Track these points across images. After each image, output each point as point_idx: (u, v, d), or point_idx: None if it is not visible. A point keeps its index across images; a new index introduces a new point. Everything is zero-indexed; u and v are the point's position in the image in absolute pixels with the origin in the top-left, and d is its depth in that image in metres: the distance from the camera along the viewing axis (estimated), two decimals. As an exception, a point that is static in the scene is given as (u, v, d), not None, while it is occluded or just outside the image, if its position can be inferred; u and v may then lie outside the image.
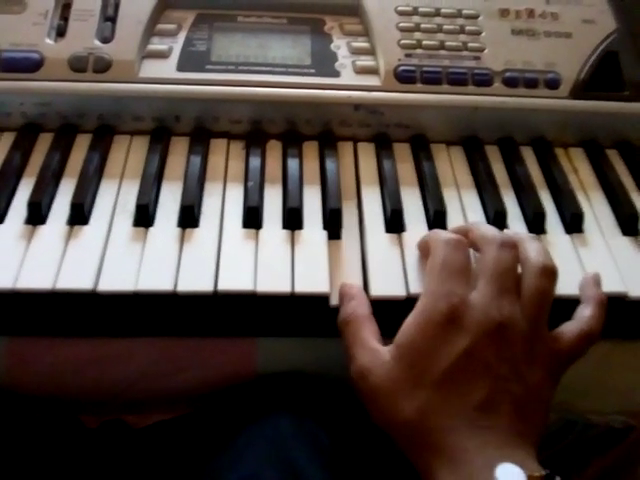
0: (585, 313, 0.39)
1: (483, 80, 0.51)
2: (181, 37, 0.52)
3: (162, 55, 0.50)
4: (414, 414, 0.34)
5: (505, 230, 0.44)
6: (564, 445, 0.53)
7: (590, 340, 0.38)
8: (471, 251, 0.39)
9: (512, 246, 0.38)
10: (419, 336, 0.35)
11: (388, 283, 0.42)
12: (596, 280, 0.41)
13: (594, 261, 0.44)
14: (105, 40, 0.50)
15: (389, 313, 0.40)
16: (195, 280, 0.41)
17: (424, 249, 0.41)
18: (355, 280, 0.42)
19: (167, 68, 0.50)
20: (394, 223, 0.45)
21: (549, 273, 0.38)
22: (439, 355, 0.35)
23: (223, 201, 0.46)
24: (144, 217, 0.44)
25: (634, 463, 0.53)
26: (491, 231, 0.39)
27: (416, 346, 0.35)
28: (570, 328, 0.38)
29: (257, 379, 0.45)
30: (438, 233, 0.40)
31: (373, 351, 0.37)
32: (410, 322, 0.36)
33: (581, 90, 0.52)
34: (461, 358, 0.34)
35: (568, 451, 0.52)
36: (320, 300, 0.41)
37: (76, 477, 0.43)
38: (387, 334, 0.38)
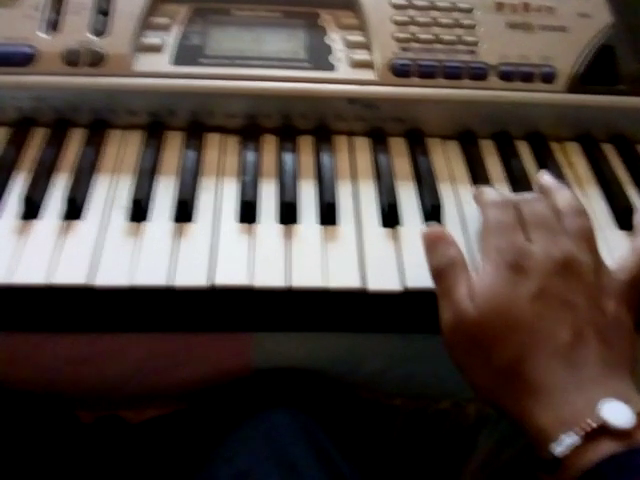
0: (638, 240, 0.40)
1: (478, 74, 0.51)
2: (175, 31, 0.51)
3: (156, 49, 0.50)
4: (510, 360, 0.34)
5: (541, 175, 0.45)
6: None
7: None
8: None
9: (542, 199, 0.40)
10: (495, 286, 0.36)
11: (385, 277, 0.42)
12: None
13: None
14: (99, 34, 0.50)
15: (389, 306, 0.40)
16: (191, 275, 0.40)
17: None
18: (351, 272, 0.42)
19: (161, 62, 0.50)
20: (390, 217, 0.45)
21: (581, 213, 0.39)
22: (518, 300, 0.35)
23: (218, 196, 0.46)
24: (139, 212, 0.44)
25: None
26: (519, 194, 0.42)
27: (494, 295, 0.35)
28: (628, 257, 0.39)
29: (253, 374, 0.45)
30: (485, 194, 0.41)
31: (461, 305, 0.36)
32: (482, 276, 0.36)
33: (577, 84, 0.51)
34: (538, 298, 0.35)
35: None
36: (316, 294, 0.41)
37: (72, 472, 0.43)
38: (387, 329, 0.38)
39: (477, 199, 0.43)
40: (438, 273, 0.38)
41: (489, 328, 0.35)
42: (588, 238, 0.38)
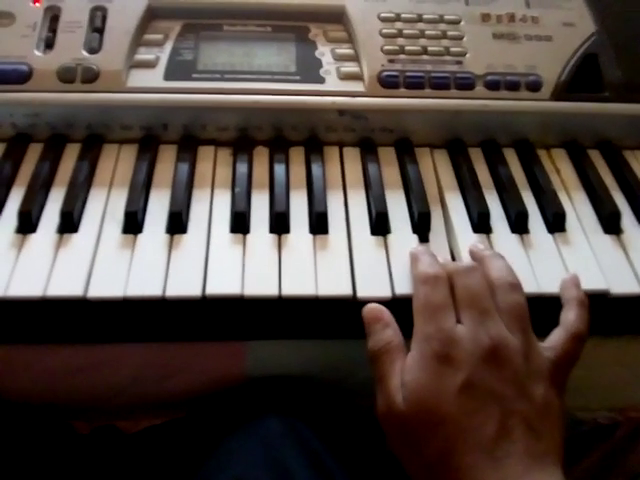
0: (569, 316, 0.39)
1: (465, 84, 0.52)
2: (168, 47, 0.52)
3: (149, 65, 0.51)
4: (435, 457, 0.34)
5: (474, 244, 0.44)
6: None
7: (580, 341, 0.39)
8: None
9: (477, 271, 0.39)
10: (421, 378, 0.35)
11: (374, 285, 0.42)
12: (575, 281, 0.42)
13: (576, 259, 0.45)
14: (93, 51, 0.51)
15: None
16: (183, 285, 0.41)
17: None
18: (342, 280, 0.42)
19: (154, 77, 0.51)
20: (379, 226, 0.46)
21: (516, 287, 0.39)
22: (444, 392, 0.35)
23: (211, 207, 0.47)
24: (133, 224, 0.45)
25: (621, 459, 0.54)
26: (453, 263, 0.41)
27: (421, 388, 0.35)
28: (559, 334, 0.39)
29: (247, 383, 0.45)
30: (418, 268, 0.40)
31: (391, 395, 0.36)
32: (410, 365, 0.36)
33: (562, 92, 0.52)
34: (464, 390, 0.35)
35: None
36: (308, 302, 0.42)
37: (69, 483, 0.44)
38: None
39: (412, 263, 0.42)
40: (373, 357, 0.38)
41: (416, 422, 0.35)
42: (520, 315, 0.37)
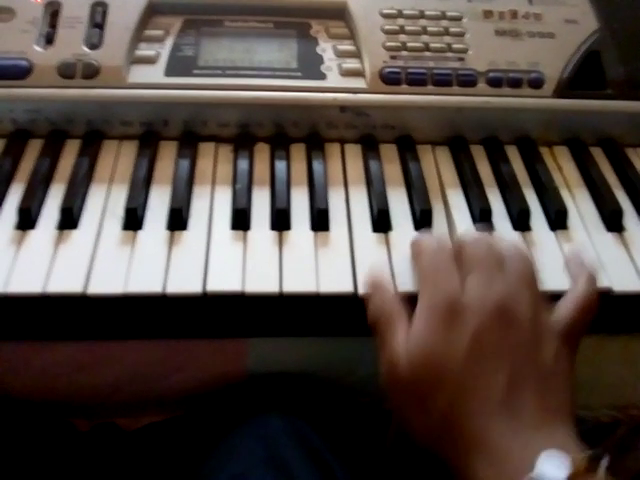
0: (578, 288, 0.39)
1: (467, 81, 0.52)
2: (168, 42, 0.52)
3: (150, 60, 0.51)
4: (443, 415, 0.34)
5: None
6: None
7: (589, 312, 0.38)
8: None
9: (486, 239, 0.39)
10: (428, 337, 0.35)
11: (376, 282, 0.42)
12: (578, 256, 0.42)
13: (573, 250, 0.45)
14: (93, 46, 0.51)
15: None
16: (184, 282, 0.41)
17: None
18: (344, 277, 0.42)
19: (155, 73, 0.50)
20: (381, 223, 0.46)
21: (525, 257, 0.38)
22: (451, 351, 0.34)
23: (211, 204, 0.47)
24: (133, 220, 0.44)
25: (622, 457, 0.54)
26: (467, 234, 0.41)
27: (428, 346, 0.35)
28: (567, 305, 0.38)
29: (248, 380, 0.45)
30: (420, 241, 0.40)
31: (395, 357, 0.36)
32: (416, 326, 0.36)
33: (564, 89, 0.52)
34: (472, 347, 0.34)
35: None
36: (309, 300, 0.42)
37: (69, 480, 0.44)
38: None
39: (414, 243, 0.42)
40: (374, 320, 0.38)
41: (422, 381, 0.35)
42: (529, 281, 0.37)
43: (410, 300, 0.39)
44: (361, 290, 0.41)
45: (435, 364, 0.35)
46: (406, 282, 0.42)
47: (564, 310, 0.38)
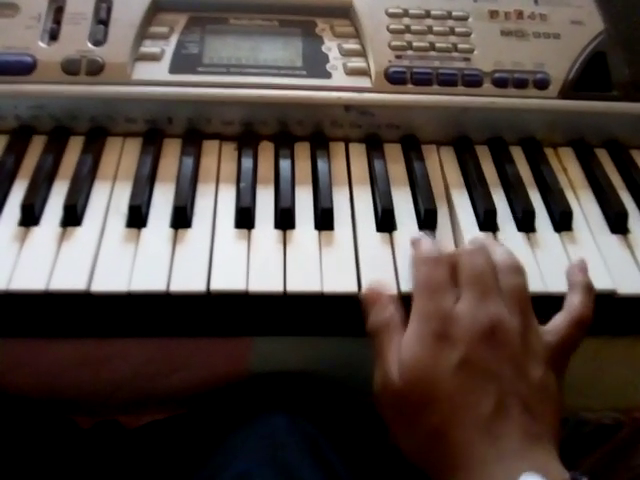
0: (574, 300, 0.39)
1: (473, 81, 0.51)
2: (173, 40, 0.52)
3: (154, 57, 0.51)
4: (429, 432, 0.35)
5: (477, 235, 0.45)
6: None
7: (582, 326, 0.38)
8: None
9: (483, 250, 0.39)
10: (418, 355, 0.35)
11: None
12: (582, 267, 0.42)
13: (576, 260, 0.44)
14: (98, 43, 0.50)
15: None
16: (188, 280, 0.41)
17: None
18: (348, 277, 0.42)
19: (159, 70, 0.50)
20: (385, 222, 0.46)
21: (518, 270, 0.39)
22: (440, 371, 0.35)
23: (215, 202, 0.46)
24: (137, 218, 0.44)
25: (624, 459, 0.54)
26: (461, 246, 0.41)
27: (417, 365, 0.35)
28: (561, 318, 0.38)
29: (251, 378, 0.45)
30: (418, 251, 0.41)
31: (388, 370, 0.36)
32: (407, 343, 0.36)
33: (570, 90, 0.52)
34: (461, 368, 0.35)
35: (560, 448, 0.52)
36: (313, 299, 0.41)
37: (70, 478, 0.43)
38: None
39: (413, 246, 0.42)
40: (372, 333, 0.38)
41: (411, 398, 0.35)
42: (521, 298, 0.37)
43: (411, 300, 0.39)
44: (361, 296, 0.41)
45: (424, 382, 0.35)
46: (409, 282, 0.42)
47: (558, 324, 0.38)
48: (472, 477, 0.33)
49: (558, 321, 0.38)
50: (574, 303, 0.39)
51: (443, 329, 0.35)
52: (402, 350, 0.36)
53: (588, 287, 0.40)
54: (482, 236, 0.44)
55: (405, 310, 0.39)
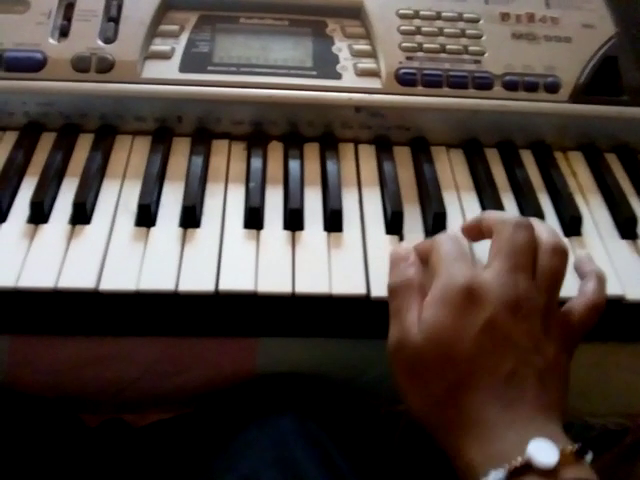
0: (589, 286, 0.39)
1: (483, 83, 0.51)
2: (183, 38, 0.52)
3: (164, 56, 0.51)
4: (444, 392, 0.35)
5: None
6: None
7: (598, 311, 0.38)
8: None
9: (527, 226, 0.38)
10: (442, 313, 0.35)
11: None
12: (589, 258, 0.43)
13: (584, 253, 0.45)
14: (108, 40, 0.50)
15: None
16: (196, 280, 0.41)
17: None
18: (356, 279, 0.42)
19: (169, 69, 0.50)
20: (394, 225, 0.46)
21: (561, 252, 0.38)
22: (463, 331, 0.35)
23: (224, 202, 0.46)
24: (146, 217, 0.44)
25: (630, 464, 0.54)
26: (505, 214, 0.40)
27: (440, 325, 0.35)
28: (578, 302, 0.39)
29: (258, 379, 0.45)
30: (441, 235, 0.40)
31: (407, 328, 0.36)
32: (431, 301, 0.36)
33: (581, 94, 0.52)
34: (484, 331, 0.35)
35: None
36: (321, 300, 0.41)
37: (76, 476, 0.43)
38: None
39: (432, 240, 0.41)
40: (392, 290, 0.38)
41: (430, 356, 0.35)
42: (554, 280, 0.38)
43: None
44: (377, 293, 0.41)
45: (445, 343, 0.35)
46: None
47: (576, 309, 0.38)
48: (483, 438, 0.33)
49: (576, 305, 0.39)
50: (589, 289, 0.39)
51: (471, 288, 0.35)
52: (425, 307, 0.36)
53: (600, 275, 0.40)
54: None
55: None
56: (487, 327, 0.35)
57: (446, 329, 0.35)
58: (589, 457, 0.33)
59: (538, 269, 0.37)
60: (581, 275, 0.41)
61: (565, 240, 0.46)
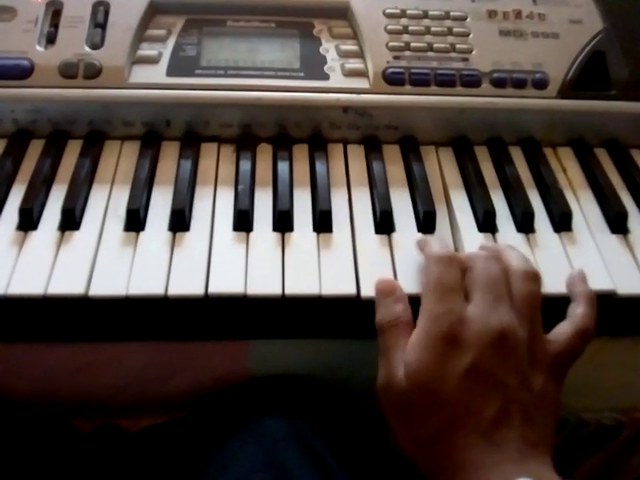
0: (578, 311, 0.39)
1: (471, 81, 0.51)
2: (171, 42, 0.52)
3: (152, 60, 0.51)
4: (430, 434, 0.35)
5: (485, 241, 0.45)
6: (557, 444, 0.53)
7: (586, 337, 0.38)
8: None
9: (497, 257, 0.39)
10: (425, 358, 0.35)
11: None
12: (582, 277, 0.42)
13: (583, 259, 0.44)
14: (95, 46, 0.50)
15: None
16: (186, 284, 0.41)
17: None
18: (346, 279, 0.42)
19: (157, 73, 0.50)
20: (384, 224, 0.45)
21: (533, 277, 0.38)
22: (448, 374, 0.35)
23: (214, 205, 0.46)
24: (135, 222, 0.44)
25: (625, 460, 0.54)
26: (476, 252, 0.40)
27: (424, 370, 0.35)
28: (565, 328, 0.38)
29: (250, 382, 0.45)
30: (431, 249, 0.40)
31: (394, 368, 0.36)
32: (415, 343, 0.36)
33: (569, 90, 0.52)
34: (469, 373, 0.35)
35: (561, 450, 0.52)
36: (311, 302, 0.41)
37: (70, 482, 0.43)
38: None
39: (421, 249, 0.42)
40: (380, 328, 0.38)
41: (415, 399, 0.35)
42: (532, 306, 0.37)
43: (419, 302, 0.39)
44: (367, 292, 0.41)
45: (429, 384, 0.35)
46: (409, 284, 0.41)
47: (561, 333, 0.38)
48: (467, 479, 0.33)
49: (562, 330, 0.38)
50: (578, 314, 0.39)
51: (453, 332, 0.35)
52: (409, 350, 0.36)
53: (591, 298, 0.40)
54: (489, 243, 0.44)
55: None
56: (471, 370, 0.35)
57: (430, 373, 0.35)
58: None
59: (515, 297, 0.37)
60: (572, 296, 0.41)
61: (556, 237, 0.46)
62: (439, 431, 0.34)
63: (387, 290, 0.39)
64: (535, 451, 0.34)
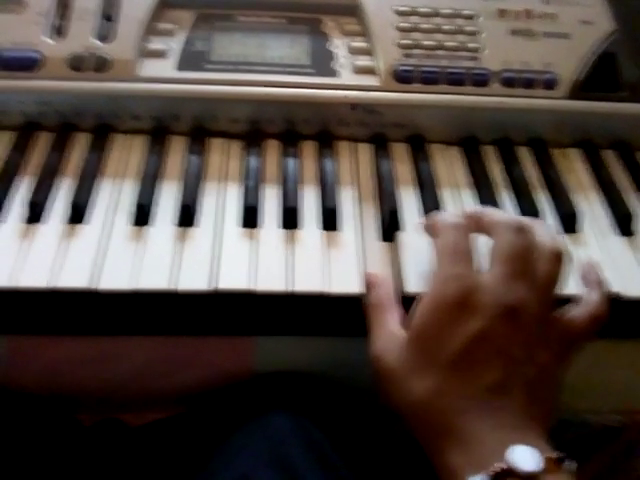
0: (593, 297, 0.39)
1: (481, 80, 0.51)
2: (181, 36, 0.52)
3: (161, 54, 0.51)
4: (425, 395, 0.34)
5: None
6: (560, 445, 0.53)
7: (599, 323, 0.38)
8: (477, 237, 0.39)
9: (527, 231, 0.37)
10: (432, 319, 0.35)
11: (385, 282, 0.42)
12: (596, 266, 0.42)
13: (589, 261, 0.44)
14: (104, 39, 0.50)
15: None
16: (193, 279, 0.41)
17: (431, 231, 0.41)
18: (352, 278, 0.42)
19: (166, 67, 0.50)
20: (391, 223, 0.45)
21: (558, 257, 0.38)
22: (452, 337, 0.34)
23: (221, 200, 0.46)
24: (143, 216, 0.44)
25: (628, 462, 0.54)
26: (505, 216, 0.39)
27: (429, 329, 0.35)
28: (580, 311, 0.38)
29: (254, 378, 0.45)
30: (446, 216, 0.39)
31: (389, 334, 0.37)
32: (423, 305, 0.36)
33: (578, 91, 0.52)
34: (474, 340, 0.34)
35: (564, 450, 0.52)
36: (318, 299, 0.41)
37: (72, 475, 0.43)
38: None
39: (435, 219, 0.40)
40: (367, 308, 0.39)
41: (414, 359, 0.35)
42: (550, 286, 0.37)
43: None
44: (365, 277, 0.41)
45: (432, 344, 0.35)
46: (415, 283, 0.41)
47: (577, 317, 0.38)
48: (463, 443, 0.33)
49: (578, 314, 0.38)
50: (593, 299, 0.39)
51: (464, 296, 0.35)
52: (416, 310, 0.36)
53: (604, 286, 0.40)
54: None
55: (405, 310, 0.39)
56: (479, 338, 0.34)
57: (435, 335, 0.35)
58: (573, 466, 0.33)
59: (536, 276, 0.37)
60: (586, 283, 0.41)
61: (564, 237, 0.46)
62: (437, 391, 0.34)
63: (373, 279, 0.41)
64: (534, 423, 0.34)
